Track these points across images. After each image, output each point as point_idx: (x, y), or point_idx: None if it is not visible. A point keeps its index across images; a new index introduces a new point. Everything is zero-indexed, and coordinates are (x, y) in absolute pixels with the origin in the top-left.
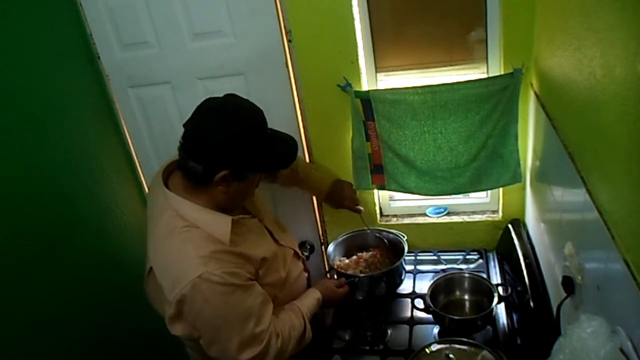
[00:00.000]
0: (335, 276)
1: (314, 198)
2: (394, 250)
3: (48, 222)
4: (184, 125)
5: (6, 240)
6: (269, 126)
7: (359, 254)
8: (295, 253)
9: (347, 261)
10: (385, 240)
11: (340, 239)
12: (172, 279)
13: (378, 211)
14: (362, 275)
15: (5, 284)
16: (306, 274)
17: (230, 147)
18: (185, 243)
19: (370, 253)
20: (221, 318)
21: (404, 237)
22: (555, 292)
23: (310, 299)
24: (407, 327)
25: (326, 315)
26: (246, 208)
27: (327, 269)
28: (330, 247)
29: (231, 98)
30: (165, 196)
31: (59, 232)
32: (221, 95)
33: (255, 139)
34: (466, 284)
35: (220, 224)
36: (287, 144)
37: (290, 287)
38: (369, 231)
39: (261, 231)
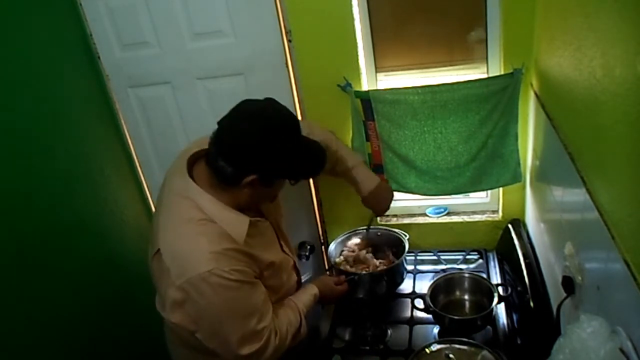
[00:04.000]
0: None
1: (314, 198)
2: (394, 249)
3: (48, 222)
4: (219, 123)
5: (6, 241)
6: None
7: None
8: (294, 264)
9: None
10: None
11: (342, 238)
12: (182, 267)
13: None
14: (362, 273)
15: (5, 284)
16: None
17: (265, 155)
18: (200, 236)
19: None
20: (226, 312)
21: (405, 236)
22: (555, 292)
23: (307, 295)
24: (407, 327)
25: (322, 321)
26: (261, 209)
27: (327, 268)
28: (332, 246)
29: (271, 104)
30: (186, 184)
31: (58, 233)
32: (222, 95)
33: (290, 148)
34: (466, 284)
35: (237, 224)
36: (317, 153)
37: (283, 296)
38: (365, 230)
39: (272, 235)
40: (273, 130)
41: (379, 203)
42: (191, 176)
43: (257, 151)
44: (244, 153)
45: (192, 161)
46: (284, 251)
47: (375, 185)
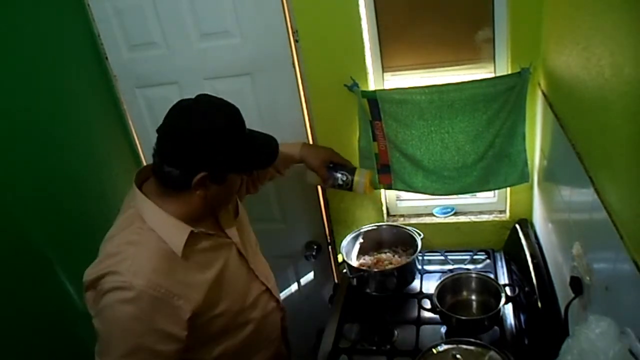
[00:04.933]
0: (348, 270)
1: (321, 198)
2: (404, 247)
3: (55, 223)
4: (157, 131)
5: (12, 240)
6: (275, 126)
7: (377, 255)
8: (268, 290)
9: (367, 260)
10: None
11: (354, 234)
12: (100, 266)
13: (385, 211)
14: (374, 270)
15: (10, 284)
16: (281, 314)
17: (205, 145)
18: (130, 245)
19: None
20: (111, 333)
21: (420, 235)
22: (563, 292)
23: None
24: (414, 327)
25: (329, 321)
26: (222, 227)
27: (339, 263)
28: (344, 242)
29: (203, 97)
30: (133, 195)
31: (65, 232)
32: (229, 95)
33: (231, 135)
34: (473, 284)
35: (177, 232)
36: (268, 143)
37: (259, 324)
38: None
39: (236, 259)
40: (210, 120)
41: (317, 152)
42: (142, 190)
43: (199, 144)
44: (185, 150)
45: (143, 179)
46: (256, 276)
47: (302, 142)
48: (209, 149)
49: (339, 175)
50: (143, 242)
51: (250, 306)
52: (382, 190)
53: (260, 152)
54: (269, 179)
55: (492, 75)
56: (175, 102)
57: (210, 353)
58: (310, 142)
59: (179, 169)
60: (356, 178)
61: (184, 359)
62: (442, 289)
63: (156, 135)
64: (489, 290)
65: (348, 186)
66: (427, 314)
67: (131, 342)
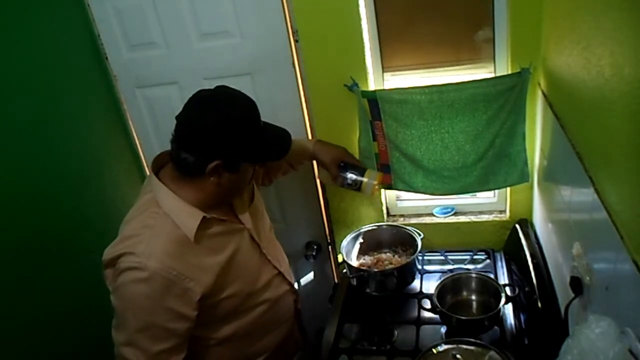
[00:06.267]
0: (348, 270)
1: (321, 198)
2: (404, 247)
3: (55, 223)
4: (176, 118)
5: (11, 241)
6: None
7: (377, 255)
8: (281, 274)
9: (367, 260)
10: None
11: (354, 234)
12: (118, 246)
13: (385, 211)
14: (374, 270)
15: (9, 284)
16: (294, 296)
17: (221, 134)
18: (146, 228)
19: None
20: (126, 309)
21: (420, 235)
22: (563, 292)
23: None
24: (414, 327)
25: (329, 321)
26: (236, 213)
27: (339, 263)
28: (344, 242)
29: (222, 88)
30: (150, 181)
31: (64, 233)
32: None
33: (247, 126)
34: (473, 284)
35: (189, 217)
36: (282, 136)
37: (272, 305)
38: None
39: (248, 243)
40: (227, 110)
41: (330, 150)
42: (159, 176)
43: (215, 133)
44: (202, 138)
45: (160, 164)
46: (268, 260)
47: (317, 139)
48: (223, 139)
49: (348, 175)
50: (158, 226)
51: (262, 289)
52: (382, 190)
53: (273, 144)
54: (283, 174)
55: (492, 75)
56: (196, 92)
57: (222, 331)
58: None
59: (194, 155)
60: (365, 179)
61: (196, 335)
62: (442, 289)
63: (156, 135)
64: (489, 290)
65: (357, 186)
66: (427, 314)
67: (143, 319)
